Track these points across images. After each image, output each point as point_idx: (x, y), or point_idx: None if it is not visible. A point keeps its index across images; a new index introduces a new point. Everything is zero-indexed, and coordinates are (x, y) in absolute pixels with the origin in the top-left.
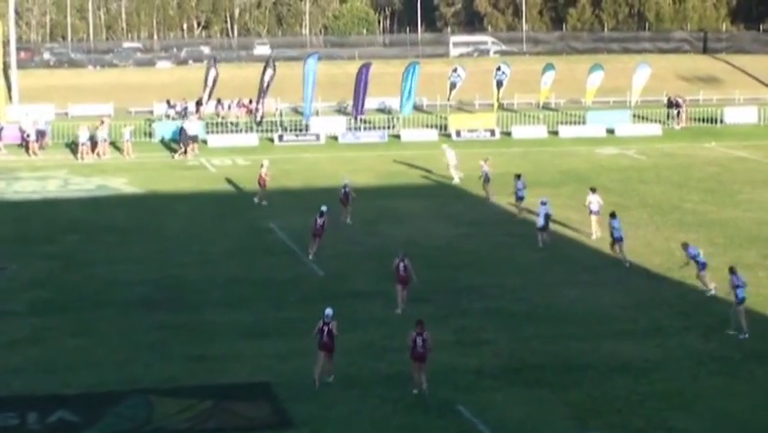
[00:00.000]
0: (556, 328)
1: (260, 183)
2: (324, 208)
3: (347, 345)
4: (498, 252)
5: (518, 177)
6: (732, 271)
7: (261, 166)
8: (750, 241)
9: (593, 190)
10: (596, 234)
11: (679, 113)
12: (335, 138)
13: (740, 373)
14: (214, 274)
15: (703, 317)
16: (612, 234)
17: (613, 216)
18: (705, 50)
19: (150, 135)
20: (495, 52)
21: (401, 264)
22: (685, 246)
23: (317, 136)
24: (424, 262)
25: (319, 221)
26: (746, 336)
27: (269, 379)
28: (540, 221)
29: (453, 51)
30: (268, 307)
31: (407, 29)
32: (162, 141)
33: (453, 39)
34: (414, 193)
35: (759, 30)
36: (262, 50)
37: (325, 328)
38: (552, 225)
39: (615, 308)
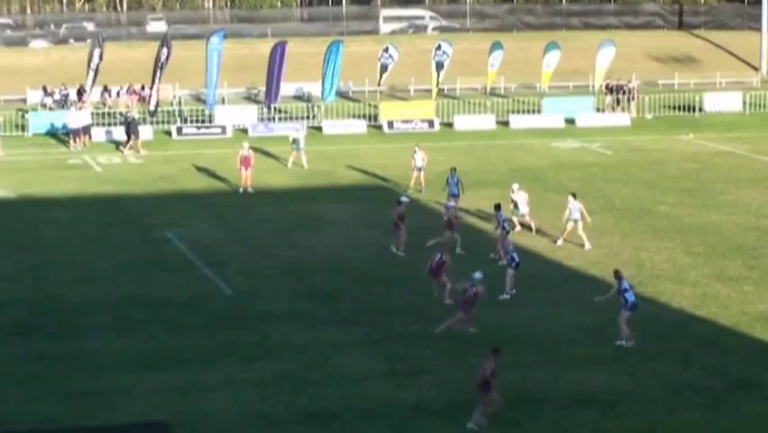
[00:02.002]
0: (507, 355)
1: (244, 168)
2: (404, 199)
3: (260, 376)
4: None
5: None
6: (618, 275)
7: (242, 149)
8: (734, 250)
9: (575, 196)
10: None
11: (618, 100)
12: (245, 131)
13: (723, 406)
14: (101, 294)
15: (680, 340)
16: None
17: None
18: (680, 26)
19: (24, 128)
20: (433, 29)
21: (439, 257)
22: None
23: (223, 129)
24: (350, 277)
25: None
26: (633, 342)
27: (166, 418)
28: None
29: (384, 28)
30: (165, 332)
31: (330, 1)
32: (66, 132)
33: (384, 13)
34: (338, 196)
35: (743, 1)
36: (157, 26)
37: (470, 290)
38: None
39: (576, 330)
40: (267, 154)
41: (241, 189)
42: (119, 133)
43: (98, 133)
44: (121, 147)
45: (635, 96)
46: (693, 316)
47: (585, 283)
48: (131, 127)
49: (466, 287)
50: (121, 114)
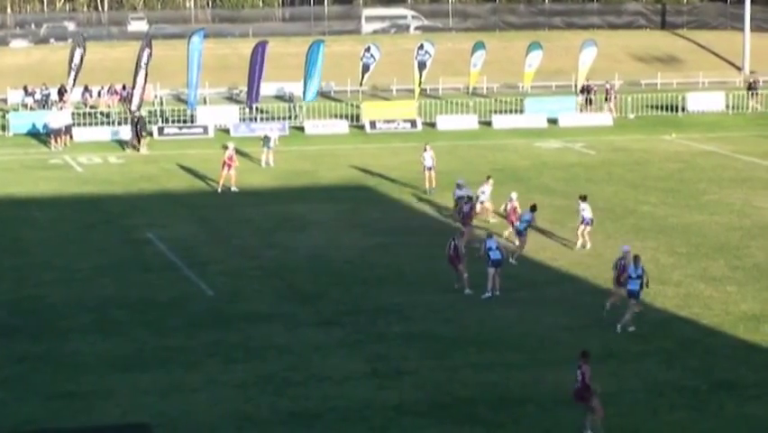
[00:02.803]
0: (490, 355)
1: (228, 167)
2: (470, 194)
3: (242, 377)
4: (421, 265)
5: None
6: (635, 260)
7: (226, 149)
8: (717, 250)
9: (584, 199)
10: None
11: (590, 100)
12: (226, 131)
13: (707, 406)
14: (82, 295)
15: (663, 340)
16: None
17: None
18: (663, 26)
19: (4, 129)
20: (416, 28)
21: (452, 243)
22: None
23: (205, 129)
24: (332, 278)
25: (465, 208)
26: (633, 328)
27: (147, 420)
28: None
29: (366, 27)
30: (146, 333)
31: (311, 0)
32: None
33: (366, 12)
34: (321, 196)
35: (726, 1)
36: (138, 25)
37: (619, 263)
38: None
39: (559, 330)
40: (248, 155)
41: (219, 189)
42: (125, 132)
43: (104, 133)
44: (127, 146)
45: (614, 96)
46: (676, 316)
47: (569, 284)
48: (138, 125)
49: (618, 262)
50: (102, 113)
